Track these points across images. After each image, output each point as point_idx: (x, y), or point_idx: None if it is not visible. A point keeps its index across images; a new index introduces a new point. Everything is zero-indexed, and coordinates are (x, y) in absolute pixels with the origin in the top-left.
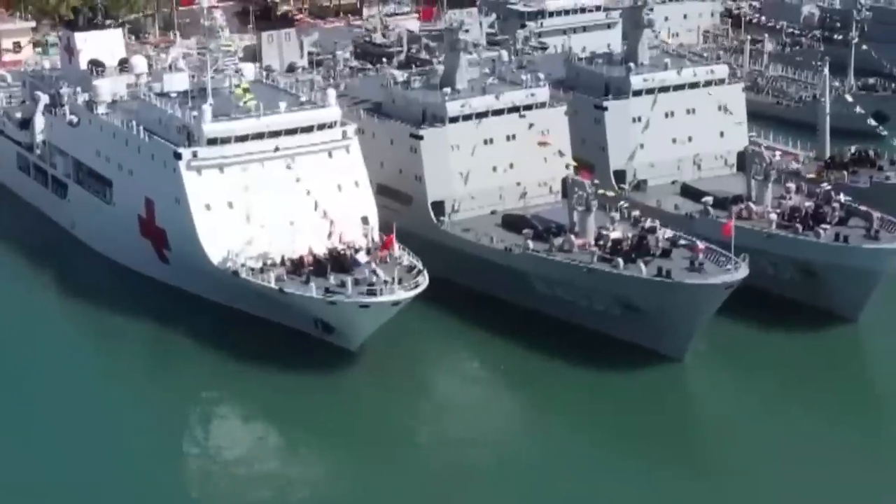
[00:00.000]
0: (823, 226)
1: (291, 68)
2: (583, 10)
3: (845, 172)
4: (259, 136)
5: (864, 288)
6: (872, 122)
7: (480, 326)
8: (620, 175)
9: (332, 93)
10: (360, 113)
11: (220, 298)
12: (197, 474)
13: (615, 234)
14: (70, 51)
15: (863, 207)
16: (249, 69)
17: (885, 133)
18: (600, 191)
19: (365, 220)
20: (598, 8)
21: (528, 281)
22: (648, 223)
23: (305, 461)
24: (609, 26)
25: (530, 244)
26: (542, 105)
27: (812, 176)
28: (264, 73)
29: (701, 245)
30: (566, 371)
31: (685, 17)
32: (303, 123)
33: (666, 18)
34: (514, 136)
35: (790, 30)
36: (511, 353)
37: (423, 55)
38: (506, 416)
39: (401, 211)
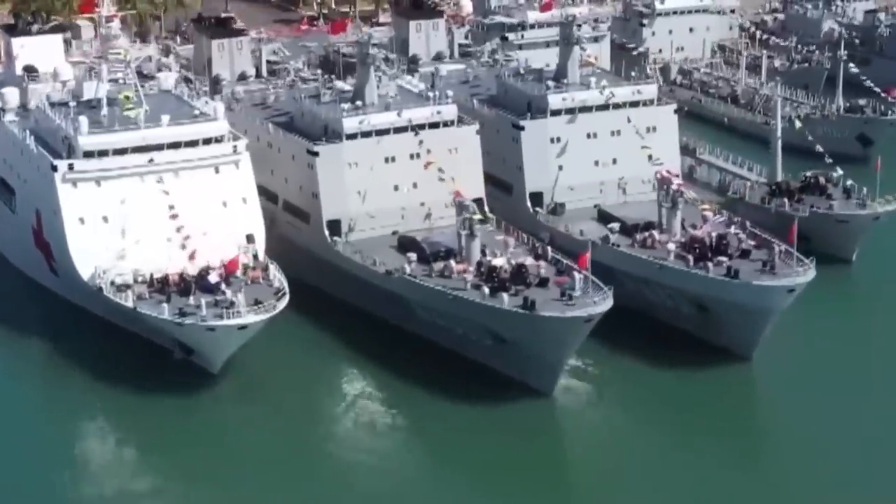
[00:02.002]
0: (721, 258)
1: (243, 77)
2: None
3: (786, 200)
4: (139, 149)
5: (756, 325)
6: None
7: (362, 350)
8: (537, 197)
9: (219, 106)
10: (269, 127)
11: (100, 313)
12: (39, 489)
13: (496, 261)
14: (8, 55)
15: (775, 240)
16: (171, 78)
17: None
18: (476, 216)
19: (249, 239)
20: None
21: (410, 306)
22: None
23: (155, 480)
24: (596, 39)
25: (407, 268)
26: (450, 123)
27: (706, 206)
28: (206, 83)
29: (577, 275)
30: (434, 400)
31: (691, 30)
32: (186, 137)
33: (670, 31)
34: (417, 155)
35: (800, 46)
36: (382, 377)
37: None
38: (359, 442)
39: (302, 229)
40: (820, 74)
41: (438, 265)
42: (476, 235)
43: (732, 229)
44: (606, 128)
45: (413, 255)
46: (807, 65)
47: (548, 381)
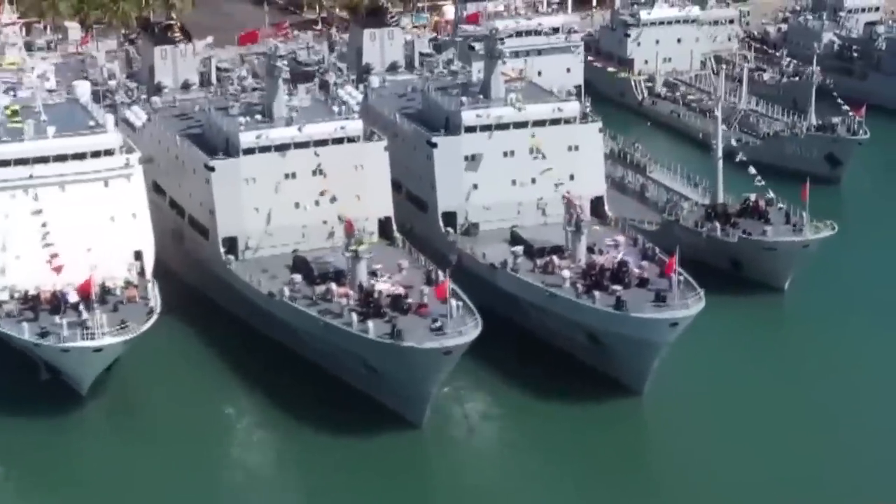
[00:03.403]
0: (615, 287)
1: (186, 86)
2: (538, 33)
3: (717, 224)
4: (22, 161)
5: (643, 359)
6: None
7: (247, 372)
8: (450, 217)
9: (109, 118)
10: (176, 139)
11: None
12: None
13: (379, 286)
14: None
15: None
16: (85, 87)
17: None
18: (362, 241)
19: (137, 255)
20: (555, 30)
21: (294, 330)
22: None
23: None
24: (570, 49)
25: (287, 291)
26: (355, 139)
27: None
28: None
29: (453, 303)
30: (311, 425)
31: (679, 41)
32: (71, 150)
33: (656, 42)
34: (320, 172)
35: (790, 59)
36: (260, 399)
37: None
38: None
39: (203, 245)
40: (809, 89)
41: (321, 288)
42: (363, 258)
43: (632, 257)
44: (525, 146)
45: (298, 277)
46: (796, 78)
47: (417, 412)
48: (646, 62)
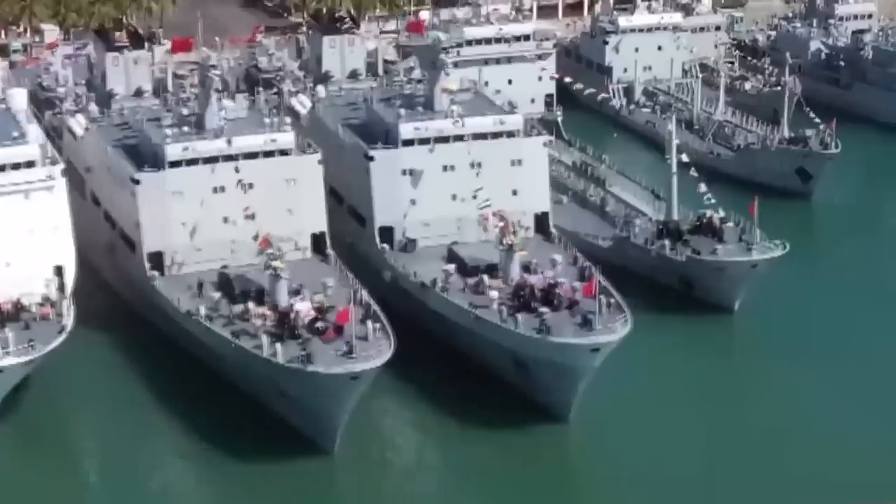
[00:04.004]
0: (543, 309)
1: (139, 93)
2: (507, 40)
3: (667, 242)
4: None
5: (566, 386)
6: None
7: (165, 392)
8: (387, 233)
9: (32, 129)
10: (108, 150)
11: None
12: None
13: (299, 306)
14: None
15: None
16: (20, 96)
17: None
18: (279, 261)
19: (59, 270)
20: (526, 37)
21: (211, 350)
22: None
23: None
24: (540, 57)
25: (202, 310)
26: (287, 152)
27: (524, 253)
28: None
29: (370, 325)
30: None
31: (660, 48)
32: None
33: (636, 49)
34: (251, 186)
35: (771, 68)
36: (174, 422)
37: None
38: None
39: (131, 259)
40: (790, 99)
41: (238, 307)
42: (281, 276)
43: (568, 277)
44: (465, 160)
45: (217, 295)
46: (778, 88)
47: (328, 439)
48: (625, 70)
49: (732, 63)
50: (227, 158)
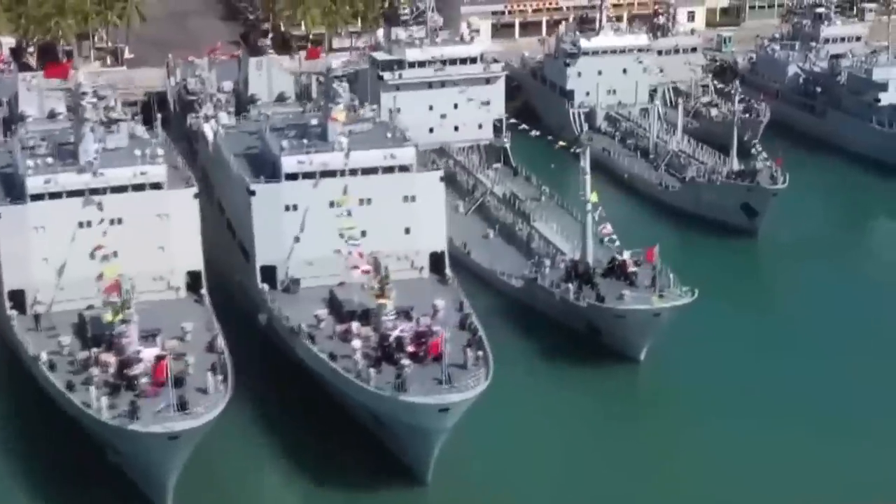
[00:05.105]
0: (406, 361)
1: (52, 115)
2: (453, 62)
3: (571, 286)
4: None
5: (423, 446)
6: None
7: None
8: (269, 272)
9: None
10: None
11: None
12: None
13: (145, 353)
14: None
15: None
16: None
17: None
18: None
19: None
20: (473, 60)
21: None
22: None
23: None
24: (488, 81)
25: (44, 356)
26: (158, 185)
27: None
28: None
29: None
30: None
31: (625, 71)
32: None
33: (599, 72)
34: (119, 221)
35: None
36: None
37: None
38: None
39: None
40: (756, 126)
41: (83, 354)
42: (132, 321)
43: (446, 325)
44: (354, 196)
45: (67, 339)
46: (747, 115)
47: (158, 498)
48: (587, 94)
49: (706, 87)
50: (94, 192)
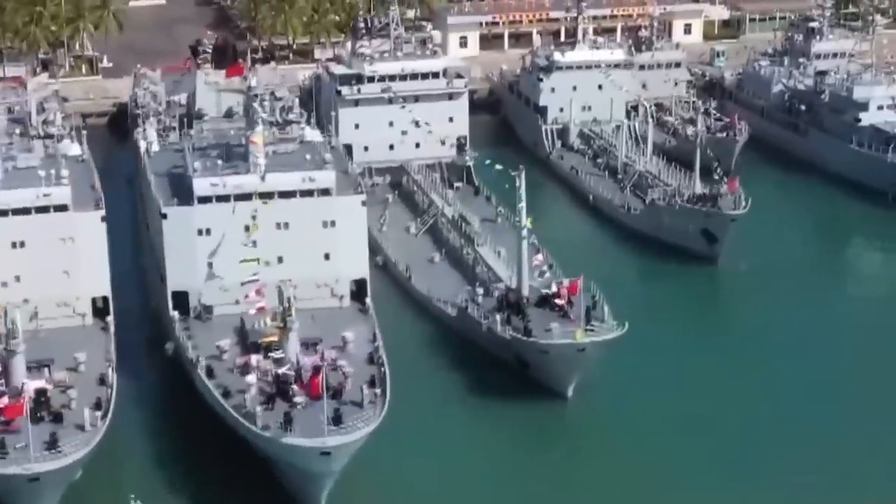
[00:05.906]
0: (299, 398)
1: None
2: (415, 76)
3: (499, 317)
4: None
5: (310, 490)
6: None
7: None
8: (181, 298)
9: None
10: None
11: None
12: None
13: (31, 385)
14: None
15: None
16: None
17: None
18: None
19: None
20: (435, 75)
21: None
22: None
23: None
24: (451, 97)
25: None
26: (62, 208)
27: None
28: None
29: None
30: None
31: (600, 87)
32: None
33: (574, 88)
34: (21, 244)
35: (716, 113)
36: None
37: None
38: None
39: None
40: (731, 146)
41: None
42: (17, 352)
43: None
44: (270, 220)
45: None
46: (723, 135)
47: None
48: (561, 110)
49: (688, 104)
50: (12, 213)
